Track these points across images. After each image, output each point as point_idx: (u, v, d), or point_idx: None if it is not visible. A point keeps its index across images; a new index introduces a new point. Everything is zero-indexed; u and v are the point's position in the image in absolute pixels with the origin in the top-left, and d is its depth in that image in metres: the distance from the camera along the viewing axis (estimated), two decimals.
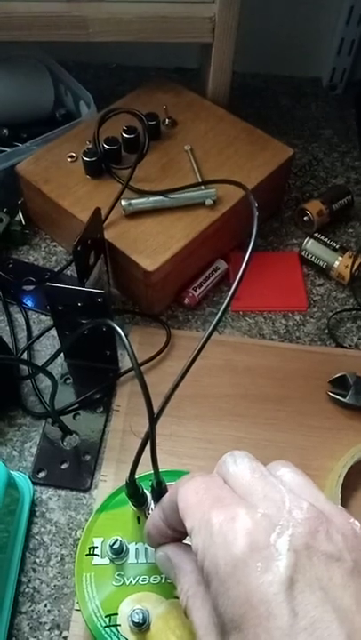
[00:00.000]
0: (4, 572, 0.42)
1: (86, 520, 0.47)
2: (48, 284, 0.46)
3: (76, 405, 0.53)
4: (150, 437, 0.35)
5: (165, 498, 0.34)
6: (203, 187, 0.57)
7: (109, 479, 0.49)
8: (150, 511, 0.41)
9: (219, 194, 0.57)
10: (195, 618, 0.29)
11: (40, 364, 0.55)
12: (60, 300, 0.48)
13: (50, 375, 0.45)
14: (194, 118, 0.65)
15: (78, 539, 0.46)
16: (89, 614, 0.37)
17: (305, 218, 0.67)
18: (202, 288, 0.60)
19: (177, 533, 0.34)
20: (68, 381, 0.55)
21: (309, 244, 0.64)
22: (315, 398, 0.55)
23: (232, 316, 0.60)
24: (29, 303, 0.60)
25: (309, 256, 0.64)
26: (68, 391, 0.54)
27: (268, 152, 0.62)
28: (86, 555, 0.39)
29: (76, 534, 0.47)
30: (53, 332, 0.57)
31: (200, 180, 0.58)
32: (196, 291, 0.59)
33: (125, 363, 0.56)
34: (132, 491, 0.38)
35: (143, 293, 0.57)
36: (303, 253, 0.64)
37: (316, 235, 0.65)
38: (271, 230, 0.68)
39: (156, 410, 0.35)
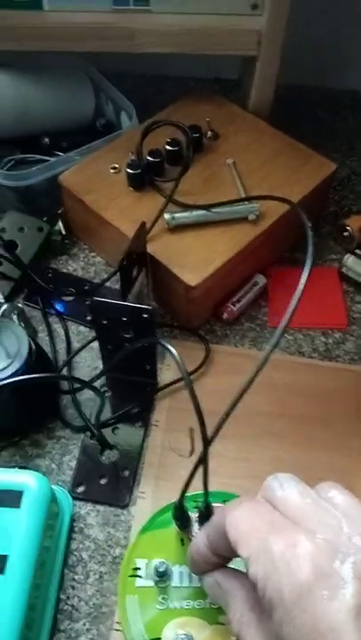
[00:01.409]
0: (45, 589, 0.42)
1: (125, 537, 0.47)
2: (94, 298, 0.45)
3: (115, 419, 0.52)
4: (203, 461, 0.34)
5: (210, 524, 0.34)
6: (246, 202, 0.57)
7: (148, 496, 0.49)
8: (194, 534, 0.40)
9: (261, 208, 0.56)
10: None
11: (79, 376, 0.55)
12: (105, 315, 0.48)
13: (97, 391, 0.44)
14: (235, 131, 0.65)
15: (117, 556, 0.46)
16: (132, 638, 0.37)
17: (345, 233, 0.66)
18: (241, 303, 0.59)
19: (222, 559, 0.34)
20: (106, 394, 0.55)
21: (350, 260, 0.63)
22: (355, 418, 0.54)
23: (271, 332, 0.59)
24: (68, 314, 0.60)
25: (350, 273, 0.63)
26: (106, 404, 0.54)
27: (310, 166, 0.62)
28: (130, 576, 0.39)
29: (114, 552, 0.46)
30: (93, 343, 0.57)
31: (243, 194, 0.58)
32: (235, 305, 0.59)
33: (163, 377, 0.56)
34: (181, 514, 0.38)
35: (183, 307, 0.56)
36: (343, 270, 0.63)
37: (356, 251, 0.64)
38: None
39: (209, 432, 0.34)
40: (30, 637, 0.38)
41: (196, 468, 0.35)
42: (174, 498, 0.42)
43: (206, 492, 0.35)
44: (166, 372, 0.56)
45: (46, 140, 0.70)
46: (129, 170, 0.58)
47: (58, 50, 0.62)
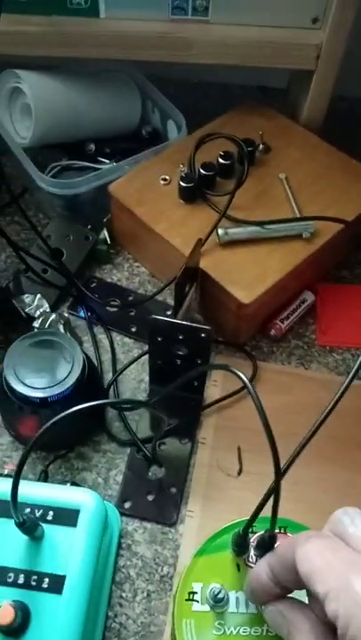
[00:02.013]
0: (95, 605, 0.41)
1: (172, 556, 0.47)
2: (153, 316, 0.45)
3: (161, 434, 0.52)
4: (275, 490, 0.34)
5: (275, 555, 0.34)
6: (300, 220, 0.56)
7: (196, 515, 0.49)
8: (250, 560, 0.40)
9: (315, 226, 0.56)
10: None
11: (125, 389, 0.55)
12: (162, 332, 0.47)
13: (161, 415, 0.43)
14: (287, 145, 0.64)
15: (164, 575, 0.46)
16: None
17: None
18: (289, 320, 0.59)
19: (284, 591, 0.33)
20: (152, 409, 0.54)
21: None
22: None
23: (318, 350, 0.59)
24: (113, 324, 0.60)
25: None
26: (153, 419, 0.54)
27: None
28: (186, 600, 0.39)
29: (162, 570, 0.46)
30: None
31: (297, 211, 0.57)
32: (283, 322, 0.58)
33: (209, 394, 0.55)
34: (243, 541, 0.38)
35: (231, 323, 0.56)
36: None
37: None
38: (358, 262, 0.66)
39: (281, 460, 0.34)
40: None
41: (267, 499, 0.34)
42: (223, 518, 0.42)
43: (274, 522, 0.35)
44: (213, 389, 0.56)
45: (92, 146, 0.69)
46: (182, 183, 0.57)
47: (113, 58, 0.61)
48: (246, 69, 0.66)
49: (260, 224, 0.55)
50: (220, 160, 0.59)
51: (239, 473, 0.51)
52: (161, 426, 0.42)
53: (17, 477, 0.32)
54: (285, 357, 0.58)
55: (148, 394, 0.55)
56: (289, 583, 0.32)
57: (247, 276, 0.53)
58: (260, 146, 0.63)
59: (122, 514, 0.48)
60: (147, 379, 0.56)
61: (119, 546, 0.47)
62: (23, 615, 0.36)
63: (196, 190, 0.58)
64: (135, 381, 0.56)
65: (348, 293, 0.62)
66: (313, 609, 0.32)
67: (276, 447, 0.34)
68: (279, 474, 0.34)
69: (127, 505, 0.49)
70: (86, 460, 0.51)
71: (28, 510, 0.39)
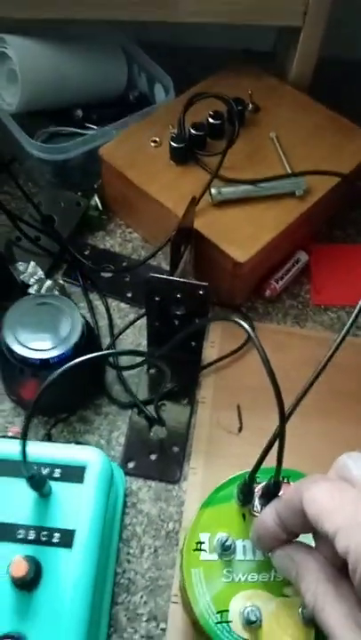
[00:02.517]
0: (105, 560, 0.42)
1: (177, 512, 0.47)
2: (151, 274, 0.45)
3: (161, 396, 0.52)
4: (280, 436, 0.34)
5: (282, 502, 0.34)
6: (293, 177, 0.56)
7: (199, 472, 0.49)
8: (255, 509, 0.40)
9: (308, 183, 0.56)
10: (328, 616, 0.30)
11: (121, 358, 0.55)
12: (160, 292, 0.47)
13: (164, 368, 0.43)
14: (276, 104, 0.64)
15: (170, 531, 0.46)
16: (200, 610, 0.37)
17: None
18: (283, 280, 0.59)
19: (291, 536, 0.34)
20: (150, 370, 0.54)
21: None
22: None
23: (313, 310, 0.59)
24: (108, 290, 0.59)
25: None
26: (152, 381, 0.54)
27: (356, 142, 0.61)
28: (194, 550, 0.39)
29: (167, 526, 0.46)
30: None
31: (288, 169, 0.57)
32: (277, 282, 0.58)
33: (206, 355, 0.55)
34: (249, 489, 0.38)
35: (227, 284, 0.56)
36: None
37: None
38: (350, 221, 0.66)
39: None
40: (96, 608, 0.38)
41: (271, 445, 0.35)
42: (225, 473, 0.42)
43: (279, 469, 0.35)
44: (210, 350, 0.56)
45: (79, 112, 0.68)
46: (173, 143, 0.57)
47: (95, 18, 0.60)
48: (231, 29, 0.65)
49: (253, 182, 0.55)
50: (210, 120, 0.59)
51: (240, 430, 0.52)
52: (164, 381, 0.42)
53: (25, 429, 0.32)
54: (281, 317, 0.59)
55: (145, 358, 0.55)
56: (296, 527, 0.33)
57: (242, 235, 0.53)
58: (250, 105, 0.62)
59: (126, 473, 0.48)
60: (144, 343, 0.56)
61: (125, 504, 0.47)
62: (35, 569, 0.36)
63: (186, 151, 0.58)
64: (133, 345, 0.56)
65: (342, 253, 0.62)
66: (320, 552, 0.33)
67: (279, 391, 0.34)
68: (284, 418, 0.34)
69: (131, 465, 0.49)
70: (88, 422, 0.51)
71: (34, 468, 0.39)
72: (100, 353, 0.35)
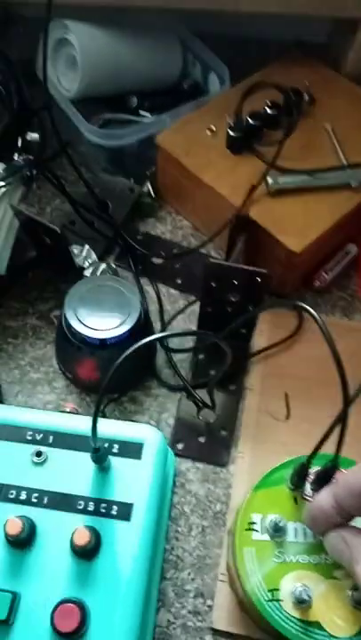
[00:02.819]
0: (155, 540, 0.43)
1: (224, 494, 0.48)
2: (210, 260, 0.46)
3: (210, 381, 0.53)
4: (343, 420, 0.35)
5: (340, 484, 0.35)
6: (348, 168, 0.56)
7: (246, 456, 0.50)
8: (307, 493, 0.41)
9: None
10: None
11: (173, 338, 0.56)
12: (217, 277, 0.48)
13: (226, 348, 0.43)
14: (332, 96, 0.64)
15: (218, 512, 0.47)
16: (251, 588, 0.38)
17: None
18: (333, 271, 0.59)
19: (346, 519, 0.35)
20: (199, 356, 0.55)
21: None
22: None
23: None
24: (159, 276, 0.60)
25: None
26: (200, 365, 0.55)
27: None
28: (246, 529, 0.40)
29: (215, 507, 0.48)
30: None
31: (344, 161, 0.57)
32: (327, 274, 0.59)
33: (255, 343, 0.56)
34: (305, 473, 0.39)
35: (278, 274, 0.56)
36: None
37: None
38: None
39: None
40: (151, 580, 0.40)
41: (332, 428, 0.35)
42: (273, 458, 0.43)
43: (339, 452, 0.36)
44: (259, 338, 0.56)
45: (134, 99, 0.69)
46: (230, 132, 0.57)
47: (153, 6, 0.61)
48: (285, 21, 0.65)
49: (309, 172, 0.55)
50: (268, 110, 0.59)
51: (287, 417, 0.52)
52: (224, 362, 0.43)
53: (98, 406, 0.34)
54: (329, 309, 0.59)
55: (195, 342, 0.56)
56: (353, 509, 0.34)
57: (296, 225, 0.54)
58: (306, 96, 0.62)
59: (175, 454, 0.50)
60: (193, 329, 0.57)
61: (173, 484, 0.48)
62: (96, 539, 0.37)
63: (243, 140, 0.58)
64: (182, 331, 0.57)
65: None
66: None
67: (344, 373, 0.34)
68: (347, 402, 0.34)
69: (180, 446, 0.50)
70: (138, 403, 0.52)
71: (100, 443, 0.40)
72: (168, 333, 0.36)
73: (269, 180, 0.55)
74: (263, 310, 0.48)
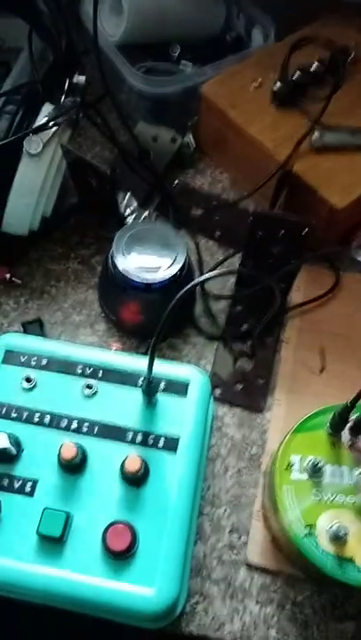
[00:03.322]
0: (198, 471, 0.44)
1: (260, 439, 0.50)
2: (257, 210, 0.46)
3: (248, 331, 0.54)
4: None
5: None
6: None
7: (283, 404, 0.51)
8: (344, 438, 0.43)
9: None
10: None
11: (213, 290, 0.56)
12: (264, 227, 0.48)
13: (277, 292, 0.44)
14: None
15: (254, 454, 0.49)
16: (289, 523, 0.40)
17: None
18: None
19: None
20: (237, 307, 0.56)
21: None
22: None
23: None
24: (198, 227, 0.61)
25: None
26: (237, 316, 0.56)
27: None
28: (285, 469, 0.42)
29: (251, 450, 0.49)
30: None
31: None
32: None
33: (291, 298, 0.57)
34: (347, 414, 0.40)
35: (319, 231, 0.57)
36: None
37: None
38: None
39: None
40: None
41: None
42: (307, 408, 0.44)
43: None
44: (296, 294, 0.57)
45: (178, 48, 0.68)
46: (276, 86, 0.57)
47: None
48: None
49: (355, 131, 0.55)
50: (315, 67, 0.59)
51: (321, 371, 0.53)
52: (273, 306, 0.44)
53: (157, 339, 0.35)
54: None
55: (233, 292, 0.57)
56: None
57: (340, 182, 0.54)
58: (353, 54, 0.62)
59: (213, 399, 0.51)
60: (231, 281, 0.58)
61: (211, 427, 0.50)
62: (145, 467, 0.39)
63: (289, 95, 0.58)
64: (221, 282, 0.58)
65: None
66: None
67: None
68: None
69: (218, 391, 0.52)
70: (177, 350, 0.53)
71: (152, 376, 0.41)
72: (217, 272, 0.37)
73: (314, 136, 0.55)
74: (309, 261, 0.49)
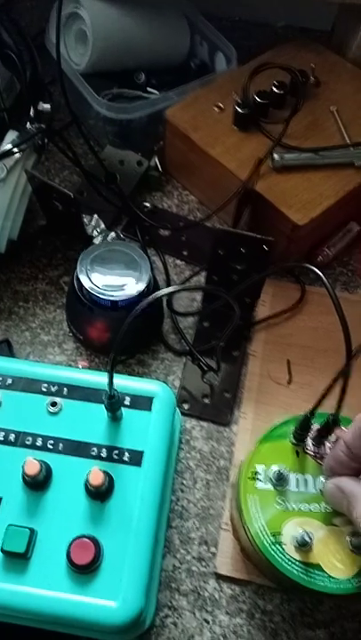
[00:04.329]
0: (163, 484, 0.45)
1: (227, 451, 0.50)
2: (219, 227, 0.48)
3: (214, 347, 0.55)
4: (346, 373, 0.37)
5: (349, 434, 0.37)
6: (352, 148, 0.58)
7: (249, 417, 0.52)
8: (308, 447, 0.44)
9: None
10: None
11: (178, 307, 0.58)
12: (225, 245, 0.50)
13: (235, 306, 0.45)
14: (336, 80, 0.66)
15: (221, 467, 0.50)
16: (255, 531, 0.41)
17: None
18: (335, 247, 0.61)
19: (359, 465, 0.37)
20: (204, 323, 0.57)
21: None
22: None
23: None
24: (165, 247, 0.62)
25: None
26: (204, 332, 0.57)
27: None
28: (250, 478, 0.43)
29: (219, 463, 0.50)
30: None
31: (348, 141, 0.59)
32: (330, 250, 0.61)
33: (257, 313, 0.58)
34: (308, 425, 0.41)
35: (282, 248, 0.58)
36: None
37: None
38: None
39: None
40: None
41: (335, 380, 0.38)
42: (274, 419, 0.45)
43: (341, 404, 0.38)
44: (261, 308, 0.59)
45: (142, 76, 0.71)
46: (238, 109, 0.59)
47: None
48: (291, 6, 0.66)
49: (314, 150, 0.58)
50: (275, 90, 0.61)
51: (289, 382, 0.55)
52: (233, 320, 0.45)
53: (115, 355, 0.36)
54: (331, 283, 0.61)
55: (200, 308, 0.58)
56: None
57: (301, 200, 0.56)
58: (312, 79, 0.64)
59: (181, 413, 0.52)
60: (198, 298, 0.59)
61: (180, 440, 0.50)
62: (109, 481, 0.39)
63: (250, 117, 0.60)
64: (188, 300, 0.59)
65: None
66: None
67: (347, 327, 0.37)
68: (350, 355, 0.37)
69: (186, 406, 0.52)
70: (146, 366, 0.54)
71: (114, 391, 0.42)
72: (180, 287, 0.38)
73: (275, 156, 0.57)
74: (269, 275, 0.50)
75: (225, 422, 0.52)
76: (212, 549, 0.46)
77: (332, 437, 0.43)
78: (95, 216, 0.61)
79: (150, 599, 0.41)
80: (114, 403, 0.40)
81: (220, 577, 0.45)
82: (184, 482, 0.49)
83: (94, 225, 0.60)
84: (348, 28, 0.68)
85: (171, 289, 0.38)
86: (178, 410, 0.51)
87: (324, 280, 0.38)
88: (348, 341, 0.37)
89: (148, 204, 0.65)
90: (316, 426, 0.43)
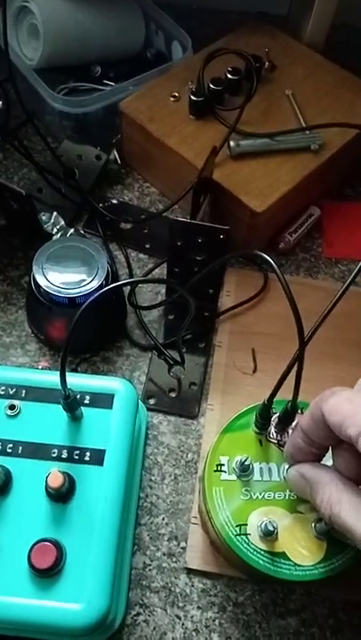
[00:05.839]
0: (131, 482, 0.45)
1: (195, 444, 0.50)
2: (174, 217, 0.47)
3: (184, 331, 0.55)
4: (299, 359, 0.37)
5: (305, 417, 0.37)
6: (308, 131, 0.58)
7: (216, 408, 0.52)
8: (271, 435, 0.43)
9: (323, 139, 0.58)
10: (346, 520, 0.32)
11: (143, 301, 0.57)
12: (182, 236, 0.49)
13: (189, 298, 0.44)
14: (291, 63, 0.65)
15: (189, 460, 0.49)
16: (221, 523, 0.40)
17: None
18: (297, 234, 0.61)
19: (320, 450, 0.37)
20: (169, 316, 0.57)
21: None
22: None
23: (325, 262, 0.61)
24: (127, 241, 0.62)
25: None
26: (169, 325, 0.56)
27: None
28: (214, 471, 0.42)
29: (187, 456, 0.49)
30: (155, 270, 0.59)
31: (303, 124, 0.59)
32: (291, 236, 0.61)
33: (222, 303, 0.58)
34: (267, 413, 0.41)
35: (243, 235, 0.58)
36: None
37: None
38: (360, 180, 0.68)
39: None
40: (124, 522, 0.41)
41: (290, 368, 0.37)
42: (241, 409, 0.45)
43: (297, 391, 0.38)
44: (226, 299, 0.58)
45: (98, 68, 0.70)
46: (192, 97, 0.58)
47: None
48: None
49: (270, 136, 0.57)
50: (229, 76, 0.60)
51: (254, 371, 0.54)
52: (189, 313, 0.44)
53: (65, 354, 0.35)
54: (294, 269, 0.61)
55: (164, 300, 0.58)
56: (321, 439, 0.35)
57: (259, 187, 0.55)
58: (266, 63, 0.64)
59: (147, 409, 0.51)
60: (162, 291, 0.58)
61: (146, 436, 0.50)
62: (70, 482, 0.39)
63: (205, 105, 0.59)
64: (152, 293, 0.58)
65: (352, 210, 0.65)
66: (338, 465, 0.35)
67: (298, 315, 0.36)
68: (303, 342, 0.36)
69: (152, 401, 0.52)
70: (111, 363, 0.54)
71: (69, 390, 0.41)
72: (130, 280, 0.38)
73: (231, 144, 0.56)
74: (222, 263, 0.50)
75: (192, 415, 0.51)
76: (183, 544, 0.46)
77: (294, 424, 0.42)
78: (54, 213, 0.60)
79: (119, 599, 0.41)
80: (70, 402, 0.39)
81: (190, 571, 0.45)
82: (152, 478, 0.48)
83: (53, 222, 0.59)
84: (302, 14, 0.67)
85: (123, 282, 0.37)
86: (143, 406, 0.51)
87: (274, 265, 0.38)
88: (299, 326, 0.37)
89: (114, 200, 0.64)
90: (277, 413, 0.42)
